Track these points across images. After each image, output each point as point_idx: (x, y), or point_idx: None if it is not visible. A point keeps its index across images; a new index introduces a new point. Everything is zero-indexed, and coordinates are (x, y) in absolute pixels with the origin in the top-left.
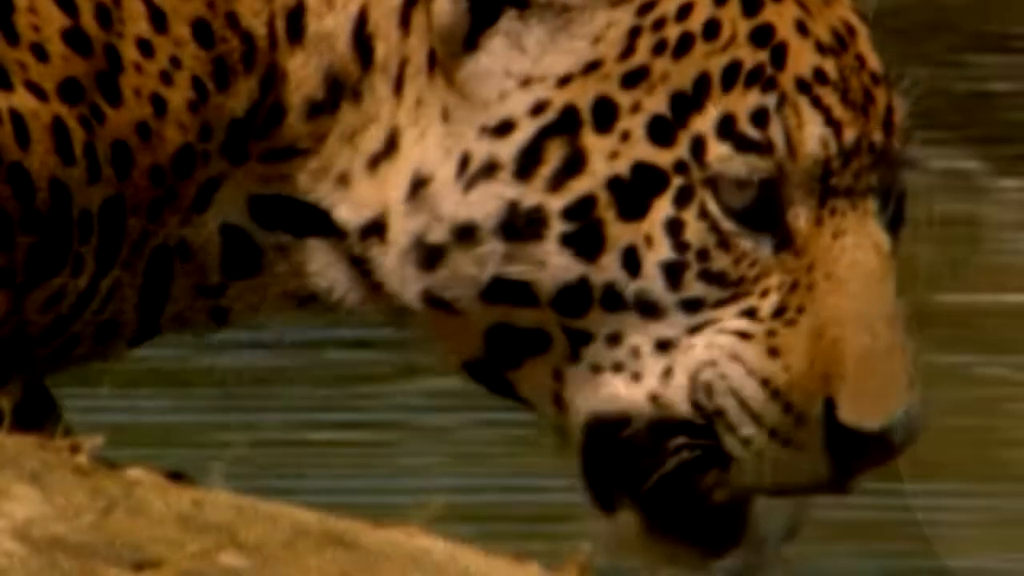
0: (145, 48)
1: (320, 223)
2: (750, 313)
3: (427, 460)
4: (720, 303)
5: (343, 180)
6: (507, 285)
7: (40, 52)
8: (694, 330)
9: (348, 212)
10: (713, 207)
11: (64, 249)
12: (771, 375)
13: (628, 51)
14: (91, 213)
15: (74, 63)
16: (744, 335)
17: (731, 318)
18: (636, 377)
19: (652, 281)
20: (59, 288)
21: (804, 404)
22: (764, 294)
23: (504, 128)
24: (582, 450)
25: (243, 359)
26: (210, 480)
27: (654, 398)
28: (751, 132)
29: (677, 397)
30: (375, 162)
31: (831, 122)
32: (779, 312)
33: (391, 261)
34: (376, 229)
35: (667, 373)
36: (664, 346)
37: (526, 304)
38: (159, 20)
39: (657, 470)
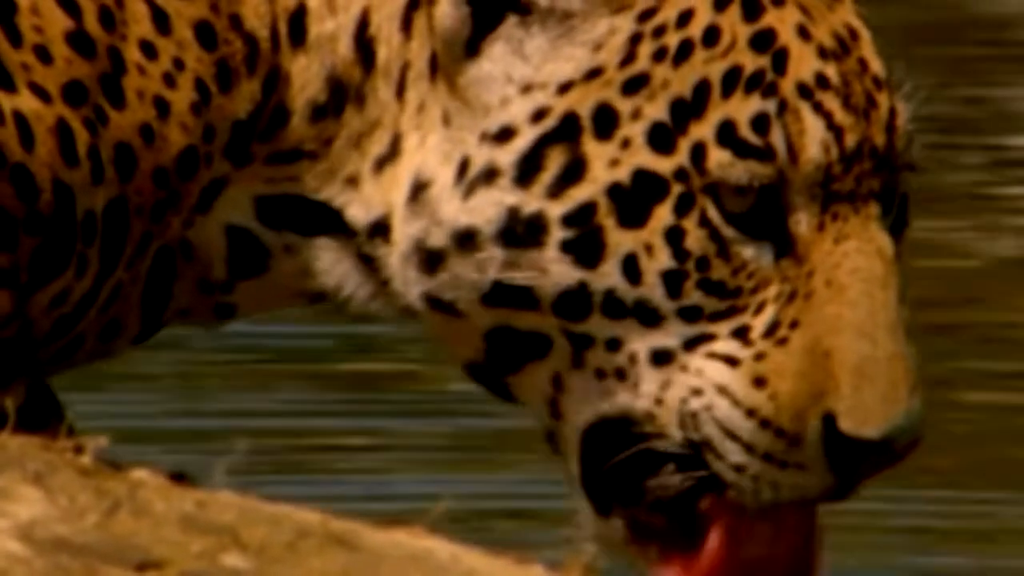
0: (148, 50)
1: (330, 222)
2: (742, 333)
3: (428, 461)
4: (717, 315)
5: (352, 182)
6: (508, 290)
7: (43, 54)
8: (690, 343)
9: (358, 211)
10: (714, 214)
11: (68, 250)
12: (757, 405)
13: (629, 58)
14: (95, 214)
15: (77, 65)
16: (732, 361)
17: (724, 338)
18: (635, 387)
19: (652, 289)
20: (63, 289)
21: (796, 426)
22: (760, 309)
23: (504, 134)
24: (581, 455)
25: (242, 358)
26: (213, 481)
27: (649, 416)
28: (752, 138)
29: (669, 421)
30: (380, 164)
31: (832, 127)
32: (772, 330)
33: (395, 261)
34: (381, 229)
35: (660, 395)
36: (661, 358)
37: (527, 308)
38: (162, 22)
39: (654, 493)
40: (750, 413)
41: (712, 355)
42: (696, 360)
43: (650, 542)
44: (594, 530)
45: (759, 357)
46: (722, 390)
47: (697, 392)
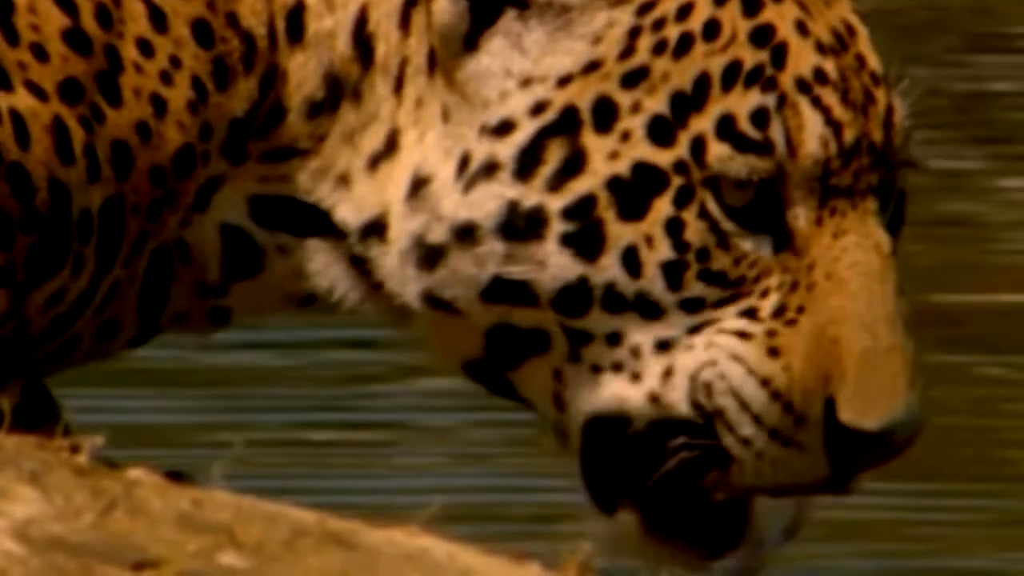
0: (145, 48)
1: (320, 223)
2: (750, 313)
3: (426, 460)
4: (720, 303)
5: (343, 180)
6: (507, 285)
7: (40, 52)
8: (694, 330)
9: (348, 212)
10: (713, 207)
11: (64, 249)
12: (771, 375)
13: (628, 51)
14: (91, 213)
15: (74, 63)
16: (744, 335)
17: (731, 318)
18: (636, 377)
19: (652, 281)
20: (59, 288)
21: (804, 404)
22: (764, 294)
23: (504, 128)
24: (581, 451)
25: (242, 359)
26: (209, 480)
27: (654, 398)
28: (751, 132)
29: (677, 397)
30: (375, 162)
31: (831, 122)
32: (779, 312)
33: (391, 261)
34: (376, 229)
35: (667, 373)
36: (664, 346)
37: (526, 304)
38: (159, 20)
39: (658, 469)
40: (764, 383)
41: (723, 330)
42: (707, 336)
43: (666, 538)
44: (602, 528)
45: (771, 333)
46: (736, 358)
47: (711, 363)
